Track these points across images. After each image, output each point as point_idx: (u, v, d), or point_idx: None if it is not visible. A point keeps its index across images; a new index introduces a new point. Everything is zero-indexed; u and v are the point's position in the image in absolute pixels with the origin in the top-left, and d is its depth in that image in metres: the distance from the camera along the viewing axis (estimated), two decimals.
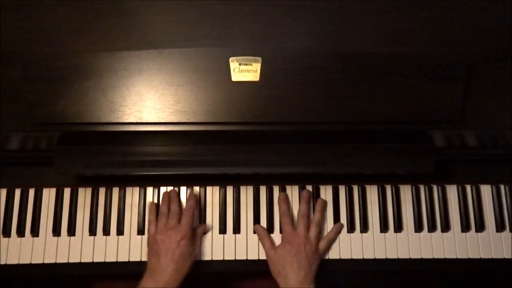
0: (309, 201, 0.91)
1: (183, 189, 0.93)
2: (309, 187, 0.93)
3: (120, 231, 0.90)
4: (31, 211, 0.91)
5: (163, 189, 0.93)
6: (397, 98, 0.80)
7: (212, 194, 0.93)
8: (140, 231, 0.90)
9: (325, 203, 0.92)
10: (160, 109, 0.80)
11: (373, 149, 0.83)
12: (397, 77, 0.80)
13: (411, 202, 0.93)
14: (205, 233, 0.90)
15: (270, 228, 0.91)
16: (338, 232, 0.91)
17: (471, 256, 0.91)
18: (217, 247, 0.90)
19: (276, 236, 0.90)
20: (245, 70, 0.79)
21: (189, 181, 0.92)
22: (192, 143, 0.83)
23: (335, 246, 0.90)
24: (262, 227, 0.90)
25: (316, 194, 0.93)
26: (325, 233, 0.90)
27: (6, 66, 0.80)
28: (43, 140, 0.85)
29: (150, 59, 0.79)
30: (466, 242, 0.91)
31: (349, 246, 0.91)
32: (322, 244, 0.88)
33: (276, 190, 0.93)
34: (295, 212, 0.91)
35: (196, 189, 0.93)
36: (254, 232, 0.91)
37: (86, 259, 0.89)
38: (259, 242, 0.90)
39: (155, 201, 0.92)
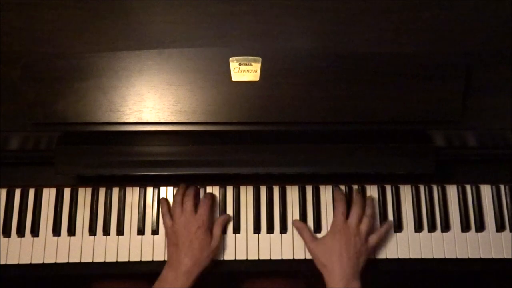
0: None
1: None
2: (309, 187, 0.93)
3: (120, 231, 0.90)
4: (31, 211, 0.91)
5: (163, 189, 0.93)
6: (397, 98, 0.80)
7: None
8: (140, 231, 0.90)
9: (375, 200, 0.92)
10: (160, 109, 0.80)
11: (373, 149, 0.83)
12: (397, 77, 0.80)
13: (411, 202, 0.93)
14: (227, 223, 0.90)
15: (270, 228, 0.91)
16: (388, 229, 0.89)
17: (471, 256, 0.91)
18: None
19: (276, 236, 0.91)
20: (245, 70, 0.79)
21: (189, 181, 0.92)
22: (192, 143, 0.83)
23: None
24: (299, 221, 0.90)
25: (316, 194, 0.93)
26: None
27: (6, 66, 0.80)
28: (43, 140, 0.85)
29: (150, 59, 0.79)
30: (466, 242, 0.91)
31: None
32: (373, 239, 0.85)
33: (276, 190, 0.93)
34: (295, 216, 0.91)
35: None
36: (254, 232, 0.91)
37: (86, 259, 0.89)
38: (259, 242, 0.90)
39: (155, 201, 0.92)
